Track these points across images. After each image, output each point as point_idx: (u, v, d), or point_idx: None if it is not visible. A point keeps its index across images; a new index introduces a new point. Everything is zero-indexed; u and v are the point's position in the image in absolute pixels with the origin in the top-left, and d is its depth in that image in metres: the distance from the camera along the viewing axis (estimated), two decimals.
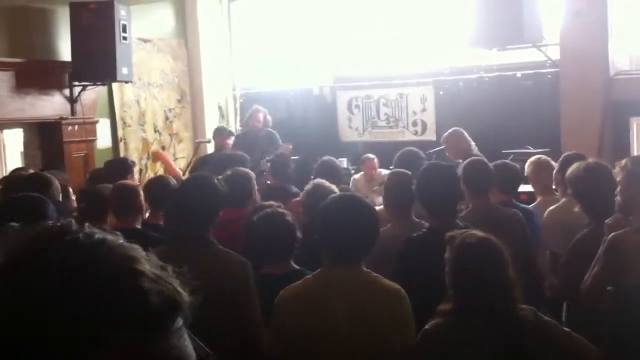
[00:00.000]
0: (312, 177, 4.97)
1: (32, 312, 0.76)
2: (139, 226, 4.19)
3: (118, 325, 0.77)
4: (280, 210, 3.68)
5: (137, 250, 0.85)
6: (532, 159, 5.11)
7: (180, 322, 0.83)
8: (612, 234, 3.18)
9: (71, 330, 0.76)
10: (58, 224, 0.86)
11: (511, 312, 2.58)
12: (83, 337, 0.76)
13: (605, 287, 3.18)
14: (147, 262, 0.83)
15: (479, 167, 4.22)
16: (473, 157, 4.63)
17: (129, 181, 4.62)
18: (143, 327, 0.78)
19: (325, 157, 5.67)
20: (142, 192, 4.29)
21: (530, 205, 4.77)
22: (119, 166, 5.64)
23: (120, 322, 0.77)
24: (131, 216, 4.12)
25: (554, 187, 4.83)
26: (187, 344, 0.84)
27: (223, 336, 2.79)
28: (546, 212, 4.39)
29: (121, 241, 0.85)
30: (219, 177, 4.70)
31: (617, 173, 3.40)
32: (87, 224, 0.86)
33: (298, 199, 4.83)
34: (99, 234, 0.84)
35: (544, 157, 5.14)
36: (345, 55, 9.12)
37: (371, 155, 7.25)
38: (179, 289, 0.83)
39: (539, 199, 4.91)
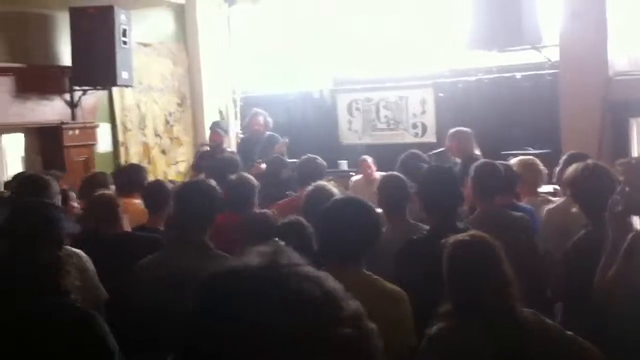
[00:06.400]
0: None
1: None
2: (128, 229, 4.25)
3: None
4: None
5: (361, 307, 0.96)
6: (518, 159, 5.05)
7: None
8: (633, 233, 3.06)
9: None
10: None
11: (509, 311, 2.57)
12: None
13: (623, 286, 3.09)
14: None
15: (489, 170, 4.19)
16: (484, 160, 4.59)
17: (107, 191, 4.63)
18: None
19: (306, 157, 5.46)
20: (118, 202, 4.34)
21: None
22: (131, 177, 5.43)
23: None
24: (115, 224, 4.16)
25: (552, 187, 4.81)
26: None
27: None
28: (545, 212, 4.40)
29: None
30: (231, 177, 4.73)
31: (619, 172, 3.34)
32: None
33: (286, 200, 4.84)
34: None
35: (530, 158, 5.10)
36: (345, 58, 9.12)
37: (364, 156, 7.24)
38: None
39: (524, 200, 4.90)
